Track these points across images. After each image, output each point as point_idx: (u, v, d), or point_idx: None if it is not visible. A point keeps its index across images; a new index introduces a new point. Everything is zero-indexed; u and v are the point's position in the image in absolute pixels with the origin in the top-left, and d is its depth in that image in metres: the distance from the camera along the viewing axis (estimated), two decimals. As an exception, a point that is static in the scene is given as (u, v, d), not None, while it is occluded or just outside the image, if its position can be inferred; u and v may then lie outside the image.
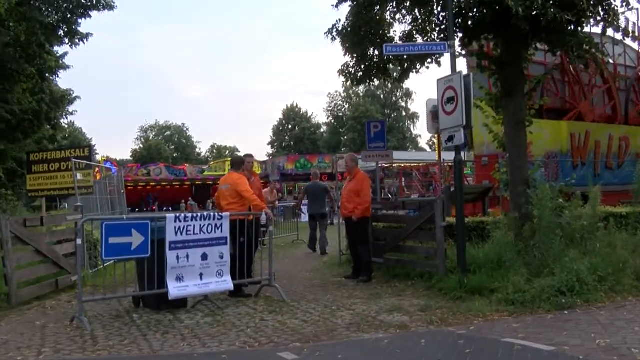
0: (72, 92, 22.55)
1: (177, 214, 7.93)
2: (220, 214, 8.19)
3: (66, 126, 26.20)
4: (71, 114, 23.07)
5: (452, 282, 8.21)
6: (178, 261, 7.63)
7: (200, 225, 7.88)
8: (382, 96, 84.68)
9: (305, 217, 30.35)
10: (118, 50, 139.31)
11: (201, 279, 7.82)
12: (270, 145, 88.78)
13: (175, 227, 7.66)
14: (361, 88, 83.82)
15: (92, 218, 8.95)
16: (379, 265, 10.49)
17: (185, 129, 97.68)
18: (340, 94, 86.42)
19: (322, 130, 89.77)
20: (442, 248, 8.87)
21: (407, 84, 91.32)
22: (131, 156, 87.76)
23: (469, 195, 12.34)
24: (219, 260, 8.02)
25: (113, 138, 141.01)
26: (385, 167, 30.27)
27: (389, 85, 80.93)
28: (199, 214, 8.01)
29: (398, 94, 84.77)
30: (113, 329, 6.91)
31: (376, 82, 13.45)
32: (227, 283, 8.06)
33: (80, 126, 73.68)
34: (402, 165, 32.77)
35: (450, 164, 28.13)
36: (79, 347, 6.13)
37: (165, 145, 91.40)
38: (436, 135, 22.09)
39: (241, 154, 78.70)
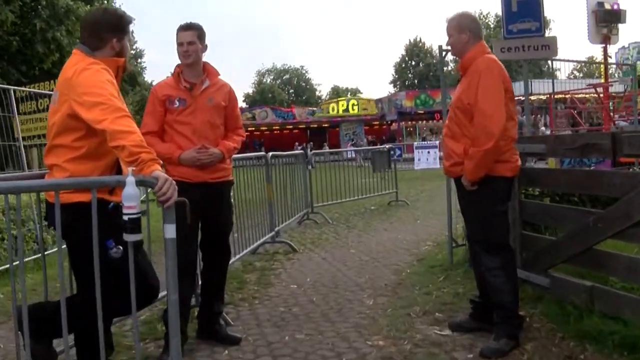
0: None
1: None
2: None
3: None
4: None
5: None
6: None
7: None
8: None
9: (417, 165, 24.33)
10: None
11: None
12: (392, 84, 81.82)
13: None
14: (492, 15, 74.34)
15: None
16: (539, 290, 4.30)
17: (304, 72, 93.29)
18: (469, 24, 77.34)
19: (449, 67, 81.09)
20: None
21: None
22: (243, 101, 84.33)
23: None
24: None
25: (232, 85, 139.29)
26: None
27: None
28: None
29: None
30: None
31: None
32: None
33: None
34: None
35: (620, 93, 20.14)
36: None
37: (280, 88, 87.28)
38: (602, 47, 15.40)
39: (364, 96, 72.93)
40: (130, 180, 2.40)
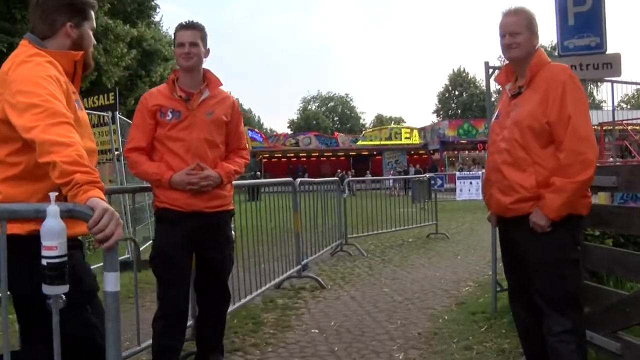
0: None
1: None
2: None
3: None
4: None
5: None
6: None
7: None
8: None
9: (460, 196, 23.35)
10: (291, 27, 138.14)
11: None
12: (435, 114, 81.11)
13: None
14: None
15: None
16: (606, 356, 3.52)
17: (348, 100, 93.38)
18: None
19: (492, 99, 79.73)
20: None
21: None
22: (288, 127, 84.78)
23: None
24: None
25: (279, 112, 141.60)
26: None
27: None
28: None
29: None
30: None
31: None
32: None
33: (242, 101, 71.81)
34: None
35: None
36: None
37: (325, 116, 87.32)
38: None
39: (407, 124, 72.30)
40: (53, 210, 1.71)
